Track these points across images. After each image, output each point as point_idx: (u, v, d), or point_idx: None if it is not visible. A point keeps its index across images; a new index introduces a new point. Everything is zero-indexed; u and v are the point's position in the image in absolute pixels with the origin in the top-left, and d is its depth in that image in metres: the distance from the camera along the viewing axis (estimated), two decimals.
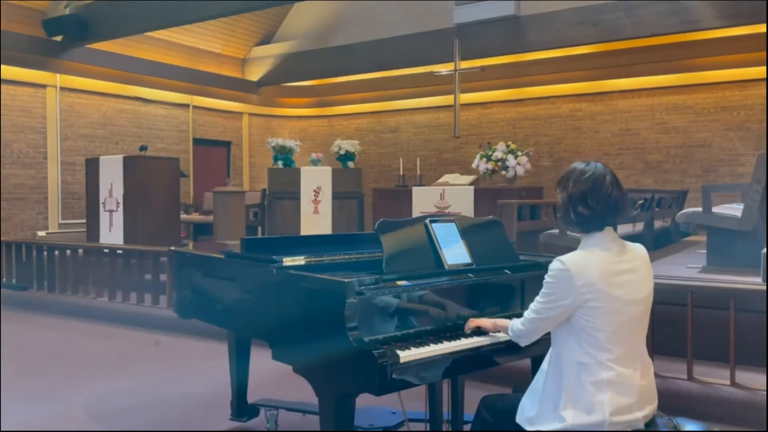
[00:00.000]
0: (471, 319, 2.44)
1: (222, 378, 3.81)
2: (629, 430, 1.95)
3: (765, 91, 9.35)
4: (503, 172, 8.55)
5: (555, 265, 1.98)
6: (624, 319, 1.96)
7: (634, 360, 1.99)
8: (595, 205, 2.00)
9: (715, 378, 3.79)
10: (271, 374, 3.83)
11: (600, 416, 1.91)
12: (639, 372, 2.00)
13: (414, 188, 8.81)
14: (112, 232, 8.43)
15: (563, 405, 1.96)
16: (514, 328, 2.18)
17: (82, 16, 9.71)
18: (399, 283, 2.35)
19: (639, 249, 2.11)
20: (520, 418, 2.09)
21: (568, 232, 2.21)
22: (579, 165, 2.08)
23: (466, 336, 2.37)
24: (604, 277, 1.95)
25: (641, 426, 1.98)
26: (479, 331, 2.41)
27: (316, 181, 8.87)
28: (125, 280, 6.92)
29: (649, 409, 2.04)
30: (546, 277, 2.02)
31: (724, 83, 10.12)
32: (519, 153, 8.55)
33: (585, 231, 2.06)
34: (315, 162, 9.29)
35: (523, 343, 2.18)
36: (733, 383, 3.68)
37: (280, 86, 13.76)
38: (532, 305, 2.10)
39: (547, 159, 11.52)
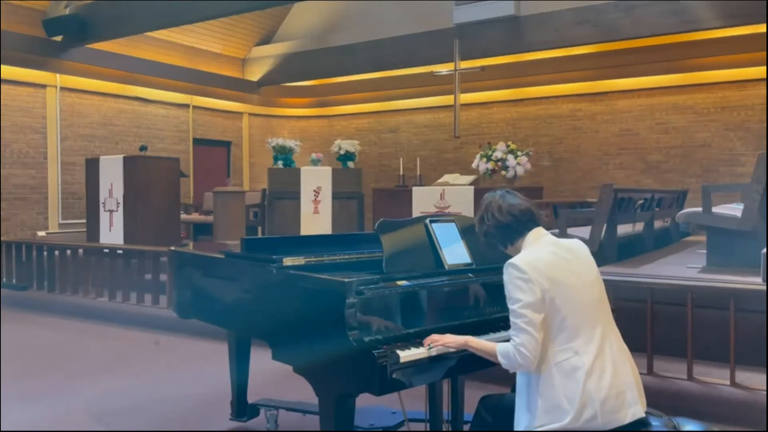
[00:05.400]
0: (431, 336, 2.24)
1: (222, 378, 3.81)
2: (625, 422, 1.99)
3: (765, 91, 9.34)
4: (503, 172, 8.54)
5: (508, 271, 2.07)
6: (585, 302, 2.07)
7: (609, 339, 2.07)
8: (500, 217, 2.21)
9: (715, 378, 3.80)
10: (271, 374, 3.83)
11: (592, 410, 1.95)
12: (616, 347, 2.08)
13: (414, 188, 8.81)
14: (112, 232, 8.42)
15: (568, 408, 1.96)
16: (514, 360, 2.01)
17: (82, 16, 9.70)
18: (399, 283, 2.35)
19: (575, 241, 2.25)
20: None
21: (506, 248, 2.26)
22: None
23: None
24: (553, 267, 2.07)
25: (638, 416, 2.02)
26: (481, 331, 2.41)
27: (316, 181, 8.87)
28: (125, 280, 6.92)
29: (641, 402, 2.07)
30: (506, 286, 2.07)
31: (724, 83, 10.10)
32: (519, 153, 8.55)
33: (510, 241, 2.23)
34: (315, 162, 9.28)
35: (524, 369, 2.04)
36: (733, 383, 3.68)
37: (280, 86, 13.75)
38: (513, 333, 2.02)
39: (547, 159, 11.49)
